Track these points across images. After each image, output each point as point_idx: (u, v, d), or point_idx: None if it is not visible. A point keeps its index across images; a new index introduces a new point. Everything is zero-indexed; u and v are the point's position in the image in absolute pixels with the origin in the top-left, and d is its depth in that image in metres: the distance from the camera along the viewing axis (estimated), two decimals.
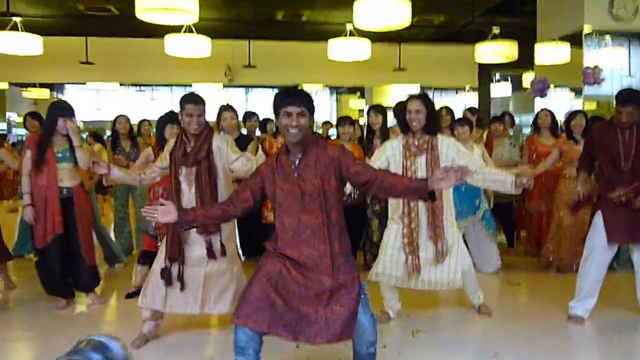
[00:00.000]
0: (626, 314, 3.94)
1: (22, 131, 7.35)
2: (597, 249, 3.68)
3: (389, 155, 3.57)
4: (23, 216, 4.21)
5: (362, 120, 15.37)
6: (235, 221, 3.67)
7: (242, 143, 4.77)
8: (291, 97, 2.41)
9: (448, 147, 3.53)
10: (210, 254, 3.32)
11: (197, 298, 3.31)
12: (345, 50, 7.97)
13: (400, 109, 3.60)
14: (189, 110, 3.26)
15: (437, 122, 3.62)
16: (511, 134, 6.59)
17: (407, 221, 3.52)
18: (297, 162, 2.43)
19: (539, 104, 6.60)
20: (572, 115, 5.08)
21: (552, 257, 5.17)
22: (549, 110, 5.67)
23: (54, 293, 4.24)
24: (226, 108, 4.87)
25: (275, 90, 17.10)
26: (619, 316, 3.93)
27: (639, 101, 3.60)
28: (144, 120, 5.74)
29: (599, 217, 3.67)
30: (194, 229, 3.22)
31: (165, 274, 3.27)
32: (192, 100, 3.29)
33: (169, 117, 4.35)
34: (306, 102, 2.42)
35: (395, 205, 3.64)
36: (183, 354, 3.35)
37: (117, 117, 5.71)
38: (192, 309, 3.33)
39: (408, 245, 3.51)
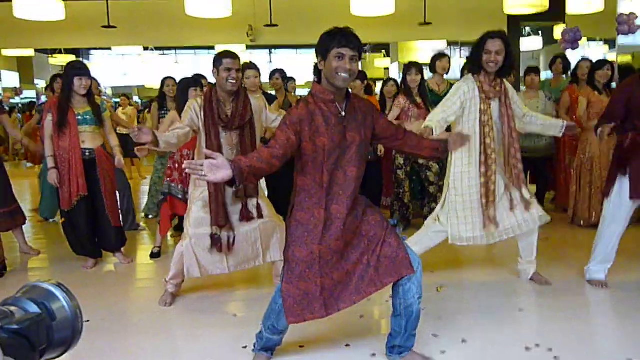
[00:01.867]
0: None
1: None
2: (623, 207, 3.45)
3: (463, 100, 3.32)
4: (47, 179, 4.25)
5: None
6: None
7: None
8: (346, 38, 2.19)
9: (512, 92, 3.45)
10: (246, 215, 3.30)
11: (258, 251, 3.36)
12: (369, 5, 7.75)
13: (475, 47, 3.35)
14: (227, 64, 3.10)
15: (513, 65, 3.42)
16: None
17: (484, 169, 3.33)
18: (343, 110, 2.29)
19: (571, 57, 6.33)
20: (599, 64, 4.87)
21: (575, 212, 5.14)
22: (591, 61, 5.39)
23: (81, 253, 4.33)
24: (249, 66, 4.78)
25: (299, 50, 16.72)
26: None
27: None
28: (168, 77, 5.60)
29: (625, 173, 3.41)
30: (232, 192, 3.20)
31: (216, 241, 3.24)
32: (230, 54, 3.16)
33: (192, 80, 4.30)
34: (359, 45, 2.23)
35: (461, 157, 3.40)
36: (205, 311, 3.39)
37: (165, 79, 5.61)
38: (255, 262, 3.39)
39: (485, 196, 3.34)
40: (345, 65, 2.18)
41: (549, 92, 5.70)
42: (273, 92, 5.72)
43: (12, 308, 0.63)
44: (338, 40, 2.18)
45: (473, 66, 3.38)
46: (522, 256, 3.69)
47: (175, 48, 14.21)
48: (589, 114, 4.85)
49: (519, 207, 3.41)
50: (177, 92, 4.29)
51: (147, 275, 4.29)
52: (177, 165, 4.34)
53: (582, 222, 5.11)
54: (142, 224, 5.67)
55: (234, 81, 3.13)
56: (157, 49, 13.78)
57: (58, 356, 0.68)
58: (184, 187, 4.26)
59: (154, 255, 4.52)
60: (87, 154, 4.12)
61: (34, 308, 0.65)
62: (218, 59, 3.15)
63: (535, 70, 5.71)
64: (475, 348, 2.80)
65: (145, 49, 12.96)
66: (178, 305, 3.45)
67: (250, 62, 4.93)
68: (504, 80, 3.43)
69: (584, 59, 5.42)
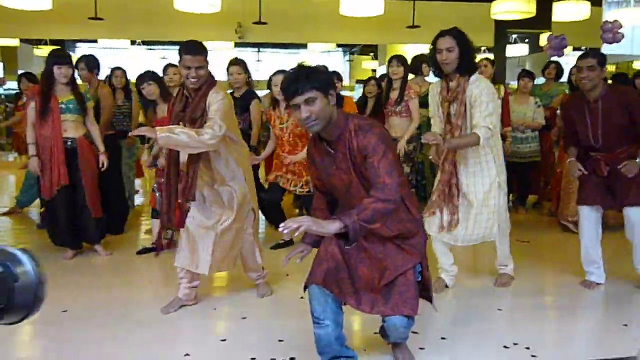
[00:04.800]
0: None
1: None
2: (582, 212, 3.56)
3: (434, 101, 3.32)
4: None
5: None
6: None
7: (243, 102, 4.56)
8: (294, 85, 2.02)
9: (477, 94, 3.11)
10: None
11: (205, 257, 3.08)
12: (358, 5, 7.77)
13: (431, 48, 3.19)
14: (186, 62, 2.85)
15: (473, 61, 3.18)
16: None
17: (446, 168, 3.33)
18: (332, 150, 2.15)
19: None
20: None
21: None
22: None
23: (60, 244, 4.27)
24: (232, 62, 4.73)
25: (288, 50, 16.53)
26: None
27: (599, 57, 3.26)
28: (116, 68, 5.57)
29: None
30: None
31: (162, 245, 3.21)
32: (190, 50, 2.86)
33: (145, 74, 4.29)
34: (311, 85, 2.00)
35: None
36: (192, 309, 3.36)
37: (114, 69, 5.54)
38: (197, 268, 3.11)
39: (444, 200, 3.33)
40: (303, 114, 2.03)
41: (538, 97, 5.72)
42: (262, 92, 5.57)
43: None
44: (288, 91, 2.05)
45: (435, 68, 3.25)
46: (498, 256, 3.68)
47: (163, 43, 14.11)
48: None
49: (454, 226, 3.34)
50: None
51: (129, 268, 4.23)
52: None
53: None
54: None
55: (195, 79, 2.88)
56: (144, 43, 13.70)
57: (17, 321, 0.65)
58: None
59: (140, 252, 4.42)
60: (69, 143, 4.08)
61: None
62: (179, 53, 2.89)
63: (530, 75, 5.73)
64: (455, 346, 2.81)
65: (133, 43, 12.88)
66: (159, 300, 3.40)
67: (236, 58, 4.87)
68: (474, 79, 3.16)
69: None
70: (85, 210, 4.18)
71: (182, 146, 2.83)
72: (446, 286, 3.57)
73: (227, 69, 4.74)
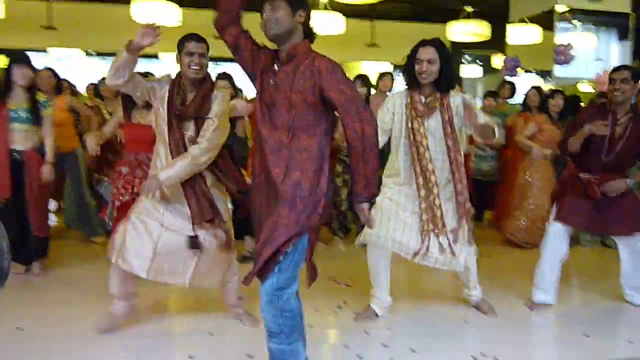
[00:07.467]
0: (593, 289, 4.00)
1: None
2: (554, 233, 3.44)
3: (393, 112, 3.04)
4: None
5: None
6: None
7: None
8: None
9: (455, 99, 3.03)
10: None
11: (188, 269, 2.87)
12: (319, 24, 7.83)
13: (408, 56, 3.05)
14: (189, 48, 2.74)
15: (452, 76, 3.03)
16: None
17: (424, 193, 2.99)
18: (277, 67, 2.17)
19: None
20: (551, 93, 5.06)
21: (517, 235, 5.14)
22: (538, 88, 5.51)
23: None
24: (220, 77, 4.56)
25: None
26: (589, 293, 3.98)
27: (633, 71, 3.26)
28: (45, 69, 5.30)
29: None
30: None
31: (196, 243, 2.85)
32: (194, 37, 2.78)
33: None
34: None
35: (394, 170, 3.12)
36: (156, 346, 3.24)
37: (40, 70, 5.17)
38: (179, 280, 2.89)
39: (428, 222, 2.98)
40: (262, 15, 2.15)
41: (500, 117, 5.81)
42: None
43: None
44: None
45: (408, 79, 3.07)
46: (464, 283, 3.50)
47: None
48: (538, 140, 4.95)
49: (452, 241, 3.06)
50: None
51: (83, 282, 4.04)
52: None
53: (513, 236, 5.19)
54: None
55: (197, 67, 2.76)
56: (98, 54, 13.36)
57: None
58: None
59: None
60: (15, 155, 3.81)
61: None
62: (181, 43, 2.80)
63: (494, 95, 5.85)
64: (424, 357, 2.81)
65: (86, 53, 12.54)
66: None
67: (224, 72, 4.66)
68: (452, 93, 3.06)
69: (532, 88, 5.51)
70: (26, 226, 3.90)
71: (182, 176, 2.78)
72: (376, 315, 3.29)
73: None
